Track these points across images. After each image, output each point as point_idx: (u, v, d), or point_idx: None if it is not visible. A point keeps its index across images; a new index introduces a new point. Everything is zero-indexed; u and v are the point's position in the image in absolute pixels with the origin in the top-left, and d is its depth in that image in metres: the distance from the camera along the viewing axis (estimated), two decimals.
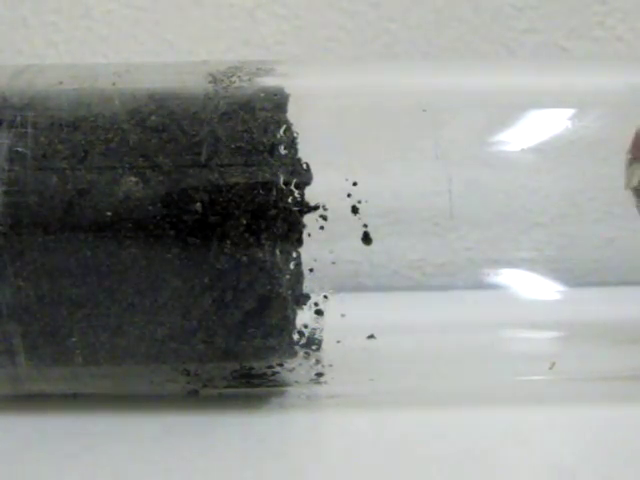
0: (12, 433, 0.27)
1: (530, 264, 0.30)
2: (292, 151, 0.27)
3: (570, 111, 0.30)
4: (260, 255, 0.26)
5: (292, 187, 0.27)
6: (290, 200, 0.26)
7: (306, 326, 0.28)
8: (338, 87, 0.31)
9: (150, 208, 0.26)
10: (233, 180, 0.26)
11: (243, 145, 0.27)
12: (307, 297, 0.27)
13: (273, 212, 0.26)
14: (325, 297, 0.28)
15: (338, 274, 0.28)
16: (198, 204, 0.26)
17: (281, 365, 0.28)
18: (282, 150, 0.27)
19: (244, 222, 0.26)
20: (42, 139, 0.27)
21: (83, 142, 0.27)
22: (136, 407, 0.28)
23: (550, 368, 0.30)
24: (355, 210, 0.27)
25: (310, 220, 0.27)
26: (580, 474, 0.24)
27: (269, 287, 0.26)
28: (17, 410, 0.29)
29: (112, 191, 0.26)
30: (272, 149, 0.27)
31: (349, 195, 0.27)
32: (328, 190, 0.28)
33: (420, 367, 0.30)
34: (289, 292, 0.27)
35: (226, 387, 0.29)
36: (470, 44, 0.46)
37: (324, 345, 0.28)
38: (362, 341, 0.29)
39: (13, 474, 0.24)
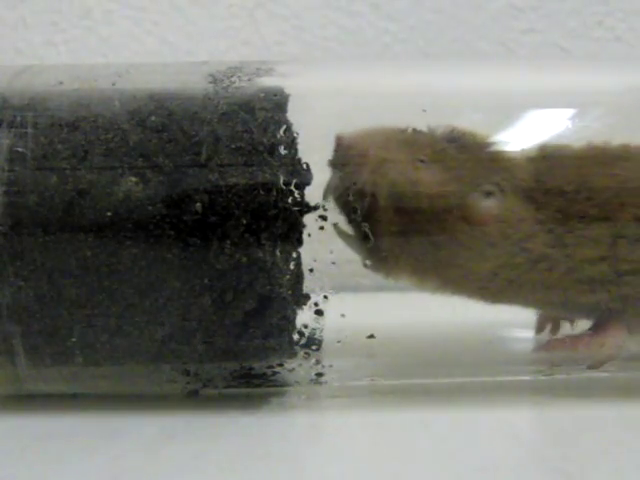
0: (12, 433, 0.27)
1: None
2: (292, 151, 0.27)
3: (570, 111, 0.30)
4: (260, 255, 0.26)
5: (292, 187, 0.27)
6: (290, 200, 0.26)
7: (306, 326, 0.28)
8: (338, 87, 0.31)
9: (150, 208, 0.26)
10: (233, 180, 0.26)
11: (243, 145, 0.27)
12: (307, 297, 0.27)
13: (273, 212, 0.26)
14: (325, 297, 0.28)
15: (338, 274, 0.28)
16: (198, 204, 0.26)
17: (281, 365, 0.28)
18: (282, 150, 0.27)
19: (244, 222, 0.26)
20: (42, 139, 0.27)
21: (83, 142, 0.27)
22: (136, 407, 0.28)
23: (550, 368, 0.30)
24: (355, 210, 0.27)
25: (310, 220, 0.27)
26: (577, 473, 0.24)
27: (269, 287, 0.26)
28: (17, 410, 0.29)
29: (112, 191, 0.26)
30: (272, 149, 0.27)
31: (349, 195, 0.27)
32: None
33: (420, 367, 0.30)
34: (289, 292, 0.27)
35: (226, 387, 0.29)
36: (470, 44, 0.46)
37: (324, 345, 0.28)
38: (362, 341, 0.29)
39: (13, 474, 0.24)
